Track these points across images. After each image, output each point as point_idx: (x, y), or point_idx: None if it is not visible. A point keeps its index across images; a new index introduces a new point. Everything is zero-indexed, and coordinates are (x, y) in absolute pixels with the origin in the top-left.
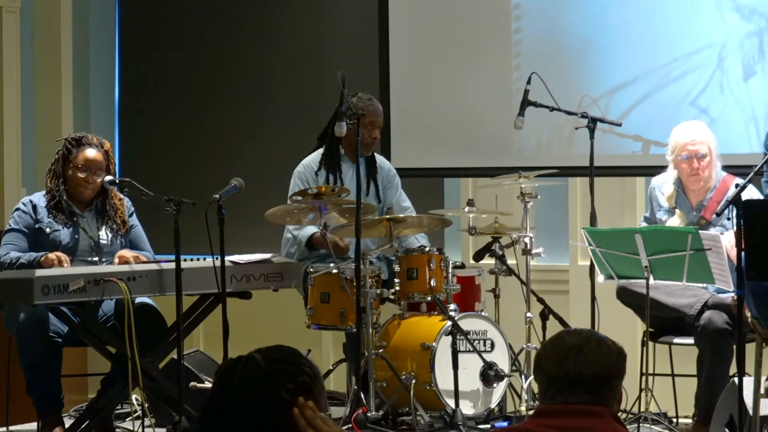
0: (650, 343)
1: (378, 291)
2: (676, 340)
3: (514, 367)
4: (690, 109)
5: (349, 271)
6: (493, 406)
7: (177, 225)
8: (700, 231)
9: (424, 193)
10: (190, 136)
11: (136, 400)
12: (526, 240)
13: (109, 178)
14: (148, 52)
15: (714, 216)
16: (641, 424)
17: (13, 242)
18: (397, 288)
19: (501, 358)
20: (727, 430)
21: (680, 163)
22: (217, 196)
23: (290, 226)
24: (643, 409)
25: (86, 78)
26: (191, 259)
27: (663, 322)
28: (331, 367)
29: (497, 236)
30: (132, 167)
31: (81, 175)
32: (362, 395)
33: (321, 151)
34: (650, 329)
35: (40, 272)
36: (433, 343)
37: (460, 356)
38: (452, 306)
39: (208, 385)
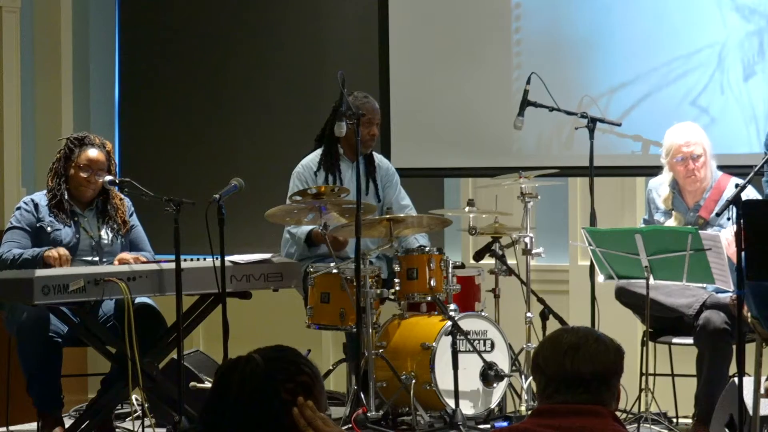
0: (650, 343)
1: (378, 291)
2: (676, 340)
3: (514, 367)
4: (690, 109)
5: (349, 271)
6: (493, 406)
7: (177, 225)
8: (699, 231)
9: (424, 193)
10: (190, 136)
11: (136, 400)
12: (526, 240)
13: (109, 178)
14: (148, 52)
15: (712, 216)
16: (641, 424)
17: (15, 240)
18: (397, 288)
19: (501, 358)
20: (727, 430)
21: (675, 165)
22: (217, 196)
23: (289, 227)
24: (643, 409)
25: (86, 78)
26: (191, 259)
27: (662, 322)
28: (331, 367)
29: (497, 236)
30: (132, 167)
31: (83, 174)
32: (362, 395)
33: (320, 151)
34: (650, 329)
35: (40, 272)
36: (433, 343)
37: (460, 356)
38: (452, 306)
39: (208, 385)
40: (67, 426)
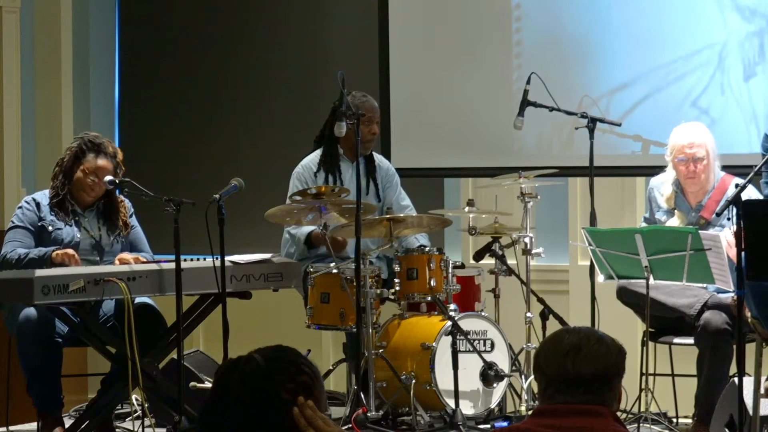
0: (650, 343)
1: (378, 291)
2: (676, 340)
3: (514, 367)
4: (690, 109)
5: (349, 271)
6: (493, 406)
7: (177, 225)
8: (700, 231)
9: (424, 193)
10: (190, 136)
11: (136, 400)
12: (526, 240)
13: (109, 178)
14: (148, 52)
15: (713, 216)
16: (641, 424)
17: (18, 239)
18: (397, 288)
19: (501, 358)
20: (727, 430)
21: (678, 164)
22: (217, 196)
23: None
24: (643, 409)
25: (86, 78)
26: (191, 259)
27: (663, 322)
28: (331, 367)
29: (497, 236)
30: (132, 167)
31: (88, 181)
32: (362, 395)
33: (319, 152)
34: (650, 329)
35: (40, 272)
36: (433, 343)
37: (460, 356)
38: (452, 306)
39: (208, 385)
40: (67, 426)
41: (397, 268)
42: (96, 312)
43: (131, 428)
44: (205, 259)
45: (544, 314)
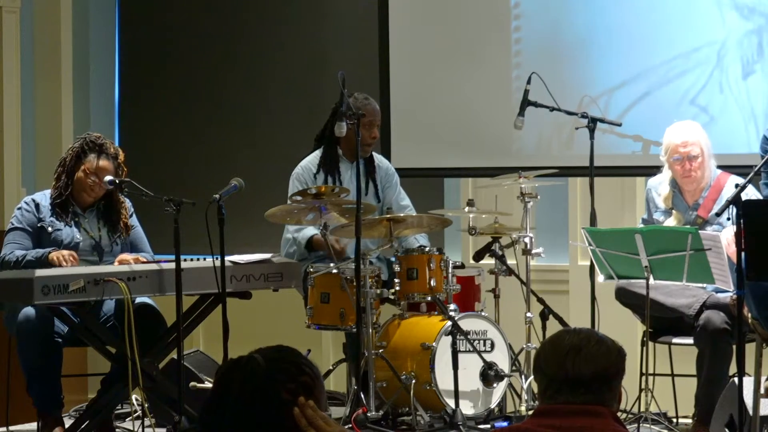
0: (650, 343)
1: (378, 291)
2: (676, 340)
3: (514, 367)
4: (689, 108)
5: (349, 271)
6: (493, 406)
7: (177, 225)
8: (699, 231)
9: (424, 193)
10: (190, 136)
11: (136, 400)
12: (526, 240)
13: (109, 178)
14: (148, 52)
15: (711, 215)
16: (641, 424)
17: (17, 241)
18: (397, 288)
19: (501, 358)
20: (727, 430)
21: (673, 164)
22: (217, 196)
23: (290, 227)
24: (643, 409)
25: (86, 78)
26: (191, 259)
27: (662, 323)
28: (331, 367)
29: (497, 236)
30: (132, 167)
31: (89, 181)
32: (362, 395)
33: (319, 152)
34: (650, 329)
35: (40, 272)
36: (433, 343)
37: (460, 356)
38: (452, 306)
39: (208, 385)
40: (67, 426)
41: (397, 268)
42: (96, 312)
43: (131, 428)
44: (205, 259)
45: (544, 314)
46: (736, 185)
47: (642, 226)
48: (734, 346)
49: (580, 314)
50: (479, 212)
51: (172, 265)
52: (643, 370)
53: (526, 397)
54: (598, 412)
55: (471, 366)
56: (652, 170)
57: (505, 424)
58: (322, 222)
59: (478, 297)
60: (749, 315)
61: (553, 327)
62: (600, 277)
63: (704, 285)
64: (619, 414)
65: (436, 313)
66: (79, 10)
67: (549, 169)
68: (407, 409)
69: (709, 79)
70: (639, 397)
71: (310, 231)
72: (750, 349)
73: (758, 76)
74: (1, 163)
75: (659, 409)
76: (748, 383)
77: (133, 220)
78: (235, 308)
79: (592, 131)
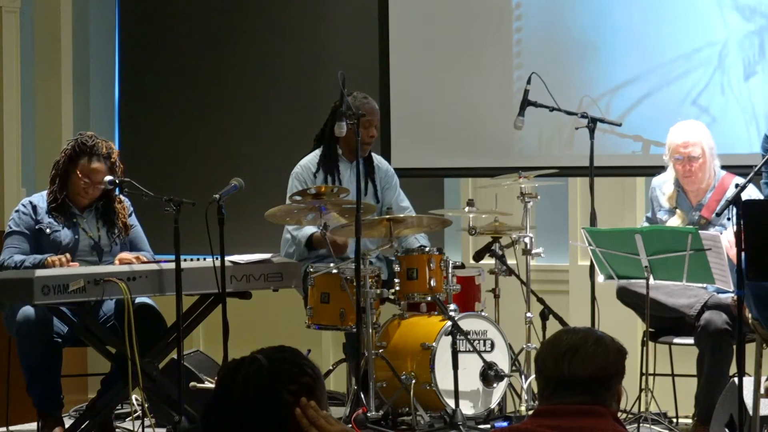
0: (650, 343)
1: (378, 291)
2: (676, 340)
3: (514, 367)
4: (690, 108)
5: (349, 271)
6: (493, 406)
7: (177, 225)
8: (700, 231)
9: (424, 193)
10: (190, 136)
11: (136, 400)
12: (526, 240)
13: (108, 178)
14: (148, 53)
15: (714, 215)
16: (641, 424)
17: (15, 245)
18: (397, 288)
19: (501, 358)
20: (727, 430)
21: (675, 164)
22: (217, 196)
23: (289, 227)
24: (643, 409)
25: (86, 78)
26: (191, 259)
27: (663, 322)
28: (331, 367)
29: (497, 236)
30: (132, 167)
31: (82, 183)
32: (362, 395)
33: (318, 152)
34: (650, 329)
35: (40, 272)
36: (433, 343)
37: (460, 356)
38: (452, 306)
39: (208, 385)
40: (67, 426)
41: (397, 268)
42: (96, 312)
43: (131, 428)
44: (205, 259)
45: (544, 314)
46: (736, 185)
47: (645, 224)
48: (734, 347)
49: (580, 314)
50: (479, 212)
51: (172, 265)
52: (644, 370)
53: (526, 397)
54: (598, 413)
55: (471, 366)
56: (652, 170)
57: (505, 424)
58: (322, 222)
59: (478, 297)
60: (749, 315)
61: (553, 327)
62: (600, 277)
63: (705, 285)
64: (619, 414)
65: (436, 313)
66: (79, 10)
67: (549, 169)
68: (407, 409)
69: (710, 80)
70: (639, 397)
71: (310, 229)
72: (750, 349)
73: (759, 77)
74: (1, 163)
75: (659, 409)
76: (748, 383)
77: (133, 220)
78: (235, 308)
79: (592, 131)
